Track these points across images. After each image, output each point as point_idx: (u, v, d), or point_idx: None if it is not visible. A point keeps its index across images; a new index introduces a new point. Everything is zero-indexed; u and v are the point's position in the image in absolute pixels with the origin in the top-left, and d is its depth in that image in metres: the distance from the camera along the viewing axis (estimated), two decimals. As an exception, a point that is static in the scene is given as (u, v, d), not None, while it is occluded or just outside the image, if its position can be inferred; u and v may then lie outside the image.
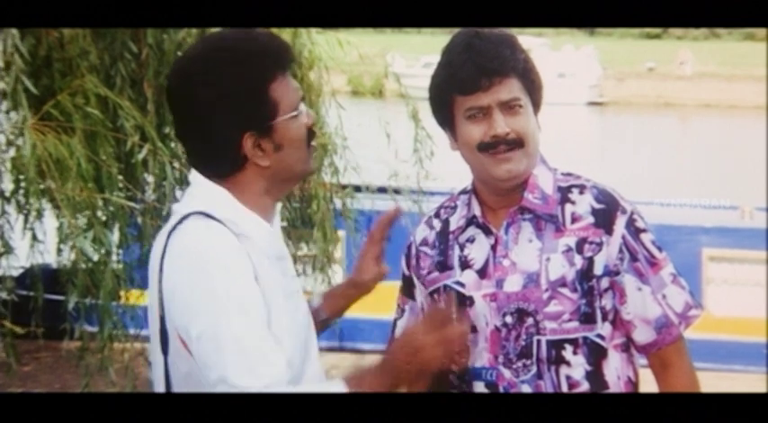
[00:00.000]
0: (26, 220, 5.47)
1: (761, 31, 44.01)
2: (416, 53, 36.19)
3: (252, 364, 1.95)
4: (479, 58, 2.25)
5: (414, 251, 2.45)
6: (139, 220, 5.68)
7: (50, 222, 5.40)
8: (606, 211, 2.31)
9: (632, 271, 2.31)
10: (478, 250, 2.35)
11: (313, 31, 6.00)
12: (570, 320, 2.29)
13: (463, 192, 2.43)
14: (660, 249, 2.35)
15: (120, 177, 5.55)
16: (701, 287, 8.45)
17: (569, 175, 2.39)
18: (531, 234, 2.32)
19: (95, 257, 5.12)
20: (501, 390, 2.31)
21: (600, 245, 2.29)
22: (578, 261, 2.29)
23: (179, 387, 2.06)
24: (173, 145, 5.97)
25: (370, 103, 9.20)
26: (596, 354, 2.31)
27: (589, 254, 2.29)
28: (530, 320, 2.29)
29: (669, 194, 10.51)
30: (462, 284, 2.35)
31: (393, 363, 2.04)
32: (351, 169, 6.93)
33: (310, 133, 2.15)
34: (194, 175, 2.14)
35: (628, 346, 2.36)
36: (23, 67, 4.86)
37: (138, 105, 5.57)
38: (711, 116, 36.92)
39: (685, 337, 2.36)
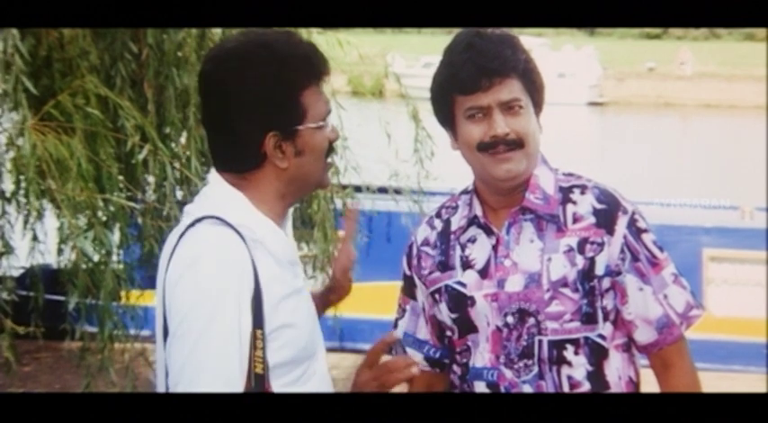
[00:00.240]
0: (26, 221, 5.47)
1: (761, 31, 44.00)
2: (416, 53, 36.20)
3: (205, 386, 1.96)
4: (480, 58, 2.25)
5: (415, 251, 2.45)
6: (140, 220, 5.68)
7: (51, 222, 5.40)
8: (607, 212, 2.31)
9: (634, 271, 2.31)
10: (480, 250, 2.35)
11: (313, 31, 6.00)
12: (571, 321, 2.29)
13: (464, 192, 2.43)
14: (661, 249, 2.35)
15: (121, 178, 5.55)
16: (701, 287, 8.45)
17: (571, 175, 2.39)
18: (532, 234, 2.32)
19: (96, 258, 5.12)
20: (502, 390, 2.31)
21: (601, 245, 2.29)
22: (580, 261, 2.29)
23: None
24: (173, 145, 5.97)
25: (370, 103, 9.20)
26: (597, 354, 2.31)
27: (590, 254, 2.29)
28: (531, 320, 2.29)
29: (669, 194, 10.50)
30: (464, 284, 2.35)
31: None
32: (351, 169, 6.93)
33: (331, 148, 2.15)
34: (212, 175, 2.13)
35: (629, 346, 2.36)
36: (23, 68, 4.86)
37: (138, 106, 5.57)
38: (711, 116, 36.93)
39: (685, 337, 2.36)
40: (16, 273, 5.88)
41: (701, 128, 34.98)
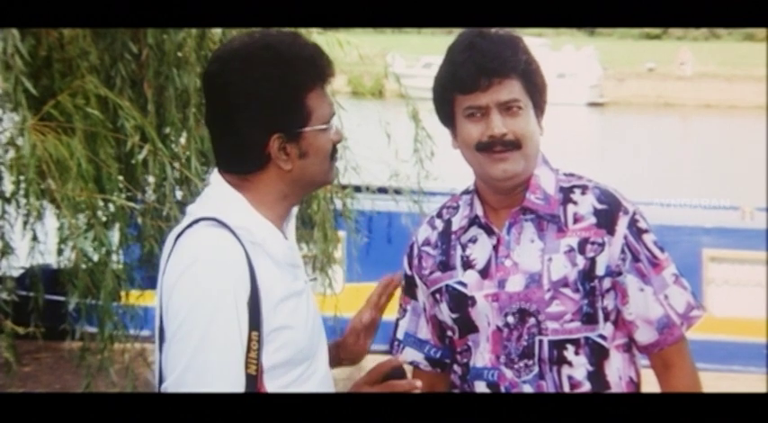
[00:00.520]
0: (26, 221, 5.47)
1: (761, 31, 44.02)
2: (416, 53, 36.23)
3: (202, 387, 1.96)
4: (480, 58, 2.25)
5: (416, 251, 2.45)
6: (140, 220, 5.68)
7: (51, 223, 5.41)
8: (608, 212, 2.31)
9: (634, 271, 2.30)
10: (480, 250, 2.35)
11: (313, 31, 6.00)
12: (572, 321, 2.29)
13: (465, 192, 2.43)
14: (662, 250, 2.34)
15: (121, 178, 5.55)
16: (701, 287, 8.45)
17: (571, 175, 2.39)
18: (533, 234, 2.32)
19: (96, 258, 5.13)
20: (503, 390, 2.31)
21: (602, 245, 2.29)
22: (580, 261, 2.29)
23: None
24: (173, 146, 5.97)
25: (370, 104, 9.20)
26: (598, 354, 2.31)
27: (591, 254, 2.29)
28: (532, 321, 2.29)
29: (669, 195, 10.51)
30: (464, 284, 2.35)
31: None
32: (351, 169, 6.93)
33: (334, 150, 2.15)
34: (214, 175, 2.13)
35: (630, 346, 2.36)
36: (23, 68, 4.86)
37: (138, 106, 5.57)
38: (711, 116, 36.93)
39: (686, 337, 2.36)
40: (16, 273, 5.88)
41: (700, 128, 34.99)
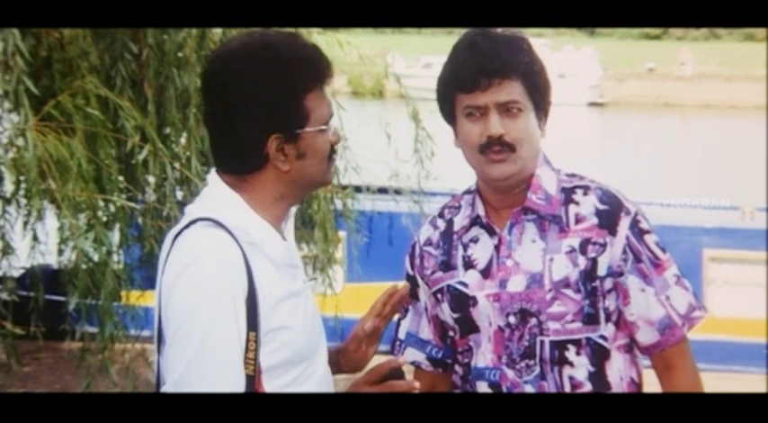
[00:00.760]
0: (27, 221, 5.48)
1: (761, 32, 43.99)
2: (416, 53, 36.24)
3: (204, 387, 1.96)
4: (480, 58, 2.24)
5: (418, 251, 2.45)
6: (140, 220, 5.68)
7: (51, 223, 5.41)
8: (610, 212, 2.31)
9: (636, 272, 2.30)
10: (482, 250, 2.35)
11: (313, 31, 6.00)
12: (573, 321, 2.28)
13: (467, 192, 2.43)
14: (664, 250, 2.34)
15: (121, 178, 5.56)
16: (701, 288, 8.45)
17: (573, 175, 2.39)
18: (534, 234, 2.32)
19: (96, 258, 5.13)
20: (504, 390, 2.30)
21: (603, 246, 2.29)
22: (582, 262, 2.28)
23: None
24: (173, 146, 5.97)
25: (370, 104, 9.20)
26: (599, 355, 2.31)
27: (593, 255, 2.29)
28: (533, 321, 2.29)
29: (669, 195, 10.51)
30: (466, 284, 2.34)
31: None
32: (351, 170, 6.94)
33: (333, 150, 2.15)
34: (211, 176, 2.13)
35: (631, 347, 2.35)
36: (24, 68, 4.86)
37: (138, 106, 5.57)
38: (711, 116, 36.93)
39: (687, 338, 2.36)
40: (16, 273, 5.88)
41: (701, 128, 34.99)
